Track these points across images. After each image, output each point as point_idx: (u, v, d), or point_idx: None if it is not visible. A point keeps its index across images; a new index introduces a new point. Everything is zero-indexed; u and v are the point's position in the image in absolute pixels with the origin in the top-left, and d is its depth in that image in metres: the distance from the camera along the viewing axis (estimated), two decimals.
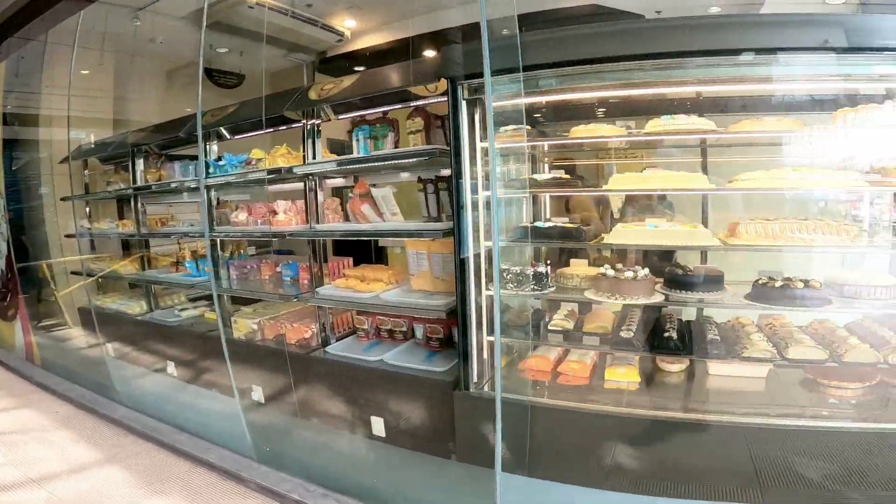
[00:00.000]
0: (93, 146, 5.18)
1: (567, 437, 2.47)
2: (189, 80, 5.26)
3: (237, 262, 4.29)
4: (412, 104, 3.13)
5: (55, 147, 5.27)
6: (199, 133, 3.08)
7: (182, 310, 4.56)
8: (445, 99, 2.94)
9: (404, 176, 3.51)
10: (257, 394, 3.48)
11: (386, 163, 2.84)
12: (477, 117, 2.59)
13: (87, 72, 5.16)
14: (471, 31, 3.34)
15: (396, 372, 2.96)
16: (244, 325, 3.77)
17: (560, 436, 2.48)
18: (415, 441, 2.88)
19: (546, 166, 3.63)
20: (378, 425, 2.96)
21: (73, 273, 5.42)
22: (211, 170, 3.73)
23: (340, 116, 3.46)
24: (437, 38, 3.80)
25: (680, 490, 2.27)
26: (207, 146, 4.05)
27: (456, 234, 2.52)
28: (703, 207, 3.08)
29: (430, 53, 3.45)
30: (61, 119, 4.86)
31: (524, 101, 2.39)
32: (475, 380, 2.68)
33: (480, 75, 2.38)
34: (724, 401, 2.44)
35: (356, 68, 4.29)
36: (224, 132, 4.06)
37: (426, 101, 3.05)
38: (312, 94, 3.25)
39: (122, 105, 5.58)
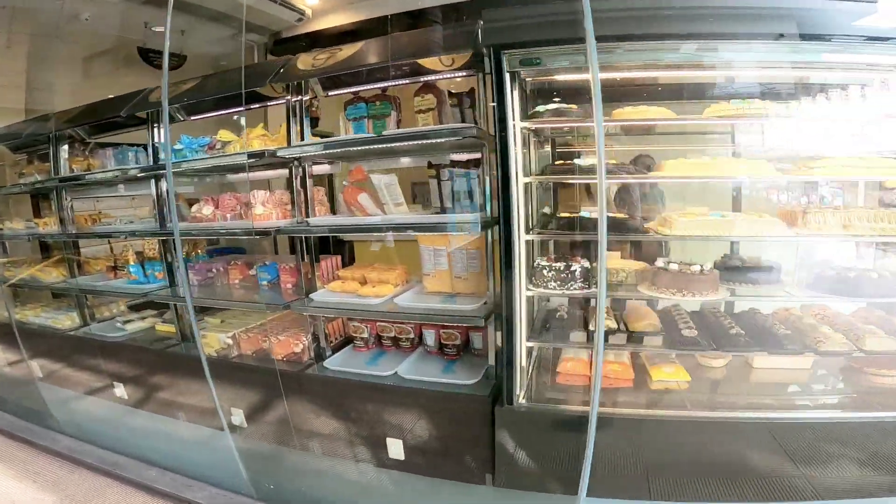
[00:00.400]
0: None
1: (634, 447, 2.21)
2: (116, 65, 4.59)
3: (198, 264, 3.68)
4: (421, 79, 2.74)
5: None
6: (165, 106, 2.49)
7: (126, 322, 3.88)
8: (465, 73, 2.63)
9: (404, 161, 3.11)
10: (238, 418, 2.95)
11: (415, 143, 2.42)
12: (516, 94, 2.25)
13: None
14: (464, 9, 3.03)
15: (414, 387, 2.58)
16: (215, 339, 3.20)
17: (626, 447, 2.21)
18: (442, 466, 2.51)
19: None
20: (396, 449, 2.56)
21: None
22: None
23: (331, 93, 2.99)
24: (420, 18, 3.42)
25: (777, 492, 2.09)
26: (156, 129, 3.44)
27: (503, 225, 2.18)
28: (735, 196, 2.93)
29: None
30: None
31: (585, 76, 2.07)
32: (517, 392, 2.36)
33: (531, 44, 2.07)
34: (798, 394, 2.30)
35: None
36: (177, 114, 3.46)
37: (440, 77, 2.68)
38: (301, 65, 2.77)
39: (35, 94, 4.72)
